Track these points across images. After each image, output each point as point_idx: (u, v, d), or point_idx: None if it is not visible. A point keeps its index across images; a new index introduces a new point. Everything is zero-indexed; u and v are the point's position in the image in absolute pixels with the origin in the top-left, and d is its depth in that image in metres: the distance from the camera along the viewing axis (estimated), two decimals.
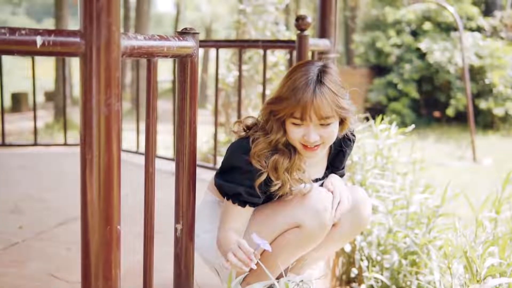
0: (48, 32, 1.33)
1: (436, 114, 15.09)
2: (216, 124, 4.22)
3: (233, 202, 1.95)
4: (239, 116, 4.10)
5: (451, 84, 14.60)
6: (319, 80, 1.84)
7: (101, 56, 1.35)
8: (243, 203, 1.94)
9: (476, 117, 12.53)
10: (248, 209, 1.97)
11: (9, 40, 1.29)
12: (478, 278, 1.89)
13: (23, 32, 1.30)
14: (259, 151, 1.90)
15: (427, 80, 15.02)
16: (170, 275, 2.04)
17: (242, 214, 1.97)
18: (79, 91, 1.38)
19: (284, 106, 1.85)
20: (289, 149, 1.94)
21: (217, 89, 4.16)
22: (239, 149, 1.94)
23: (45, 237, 2.88)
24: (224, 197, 1.99)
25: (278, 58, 7.31)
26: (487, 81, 14.21)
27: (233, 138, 2.07)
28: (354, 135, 2.12)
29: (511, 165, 9.16)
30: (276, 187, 1.92)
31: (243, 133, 2.01)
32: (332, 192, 1.98)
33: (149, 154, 1.73)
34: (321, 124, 1.86)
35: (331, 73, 1.88)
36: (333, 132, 1.90)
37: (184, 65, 1.82)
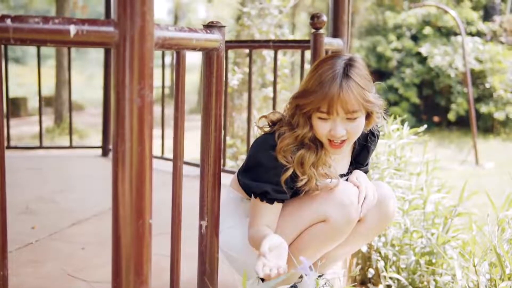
0: (82, 22, 1.31)
1: (436, 119, 15.09)
2: (224, 124, 4.20)
3: (261, 200, 1.92)
4: (248, 117, 4.08)
5: (452, 88, 14.61)
6: (346, 74, 1.82)
7: (134, 46, 1.32)
8: (271, 201, 1.92)
9: (476, 121, 12.51)
10: (277, 205, 1.94)
11: (42, 29, 1.27)
12: (509, 275, 1.86)
13: (57, 21, 1.28)
14: (285, 146, 1.87)
15: (427, 84, 15.03)
16: (189, 275, 2.02)
17: (271, 210, 1.94)
18: (112, 82, 1.36)
19: (310, 100, 1.83)
20: (315, 144, 1.92)
21: (226, 90, 4.13)
22: (265, 145, 1.91)
23: (59, 237, 2.85)
24: (250, 196, 1.97)
25: (282, 61, 7.30)
26: (487, 86, 14.21)
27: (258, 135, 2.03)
28: (379, 131, 2.10)
29: None
30: (302, 182, 1.89)
31: (267, 129, 1.98)
32: (358, 187, 1.96)
33: (177, 147, 1.71)
34: (348, 118, 1.84)
35: (358, 66, 1.86)
36: (359, 127, 1.88)
37: (211, 58, 1.80)
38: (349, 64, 1.85)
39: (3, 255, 1.37)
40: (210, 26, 1.78)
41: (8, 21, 1.23)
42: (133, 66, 1.31)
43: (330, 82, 1.80)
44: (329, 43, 3.14)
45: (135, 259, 1.40)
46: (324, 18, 3.00)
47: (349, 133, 1.87)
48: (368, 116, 1.92)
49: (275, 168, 1.88)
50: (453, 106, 14.50)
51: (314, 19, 2.98)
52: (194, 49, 1.67)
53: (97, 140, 8.21)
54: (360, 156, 2.11)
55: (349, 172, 2.09)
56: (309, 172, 1.89)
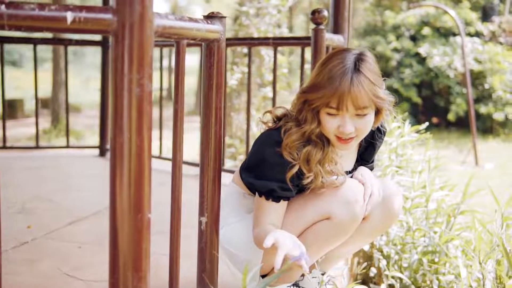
0: (79, 8, 1.27)
1: (435, 120, 15.06)
2: (224, 122, 4.15)
3: (267, 199, 1.87)
4: (247, 116, 4.04)
5: (451, 89, 14.58)
6: (357, 69, 1.76)
7: (134, 33, 1.28)
8: (277, 199, 1.86)
9: (476, 122, 12.49)
10: (283, 203, 1.89)
11: (38, 16, 1.23)
12: None
13: (53, 7, 1.24)
14: (292, 143, 1.82)
15: (426, 85, 15.00)
16: (189, 274, 1.98)
17: (277, 208, 1.88)
18: (110, 72, 1.32)
19: (320, 95, 1.77)
20: (322, 141, 1.86)
21: (225, 88, 4.08)
22: (270, 141, 1.86)
23: (55, 236, 2.80)
24: (254, 193, 1.92)
25: (280, 61, 7.26)
26: (486, 86, 14.20)
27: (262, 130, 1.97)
28: (385, 127, 2.05)
29: None
30: (308, 180, 1.84)
31: (271, 124, 1.93)
32: (363, 184, 1.91)
33: (177, 141, 1.67)
34: (357, 115, 1.78)
35: (368, 61, 1.81)
36: (368, 124, 1.83)
37: (211, 50, 1.75)
38: (360, 58, 1.80)
39: None
40: (211, 17, 1.74)
41: (2, 7, 1.19)
42: (132, 54, 1.27)
43: (340, 77, 1.75)
44: (330, 39, 3.09)
45: (133, 254, 1.35)
46: (325, 13, 2.95)
47: (358, 130, 1.81)
48: (377, 112, 1.87)
49: (281, 165, 1.83)
50: (452, 106, 14.47)
51: (315, 14, 2.94)
52: (194, 39, 1.63)
53: (94, 141, 8.17)
54: (366, 153, 2.06)
55: (354, 169, 2.04)
56: (315, 170, 1.84)
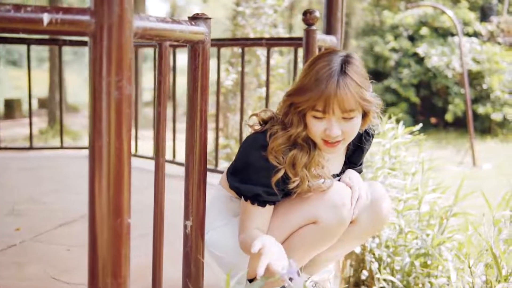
0: (56, 10, 1.24)
1: (433, 120, 15.04)
2: (217, 125, 4.13)
3: (252, 203, 1.84)
4: (241, 116, 4.02)
5: (449, 89, 14.57)
6: (343, 71, 1.73)
7: (112, 35, 1.25)
8: (263, 203, 1.84)
9: (474, 122, 12.46)
10: (269, 208, 1.87)
11: (13, 17, 1.20)
12: (505, 276, 1.80)
13: (29, 9, 1.21)
14: (277, 147, 1.79)
15: (424, 85, 14.99)
16: (173, 277, 1.96)
17: (263, 213, 1.86)
18: (88, 75, 1.29)
19: (306, 98, 1.74)
20: (308, 144, 1.84)
21: (218, 89, 4.06)
22: (255, 145, 1.82)
23: (44, 239, 2.77)
24: (240, 197, 1.89)
25: (277, 61, 7.24)
26: (484, 86, 14.18)
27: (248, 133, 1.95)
28: (374, 130, 2.02)
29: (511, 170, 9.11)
30: (294, 184, 1.81)
31: (258, 127, 1.90)
32: (350, 187, 1.88)
33: (160, 143, 1.64)
34: (344, 118, 1.75)
35: (355, 63, 1.78)
36: (355, 127, 1.80)
37: (196, 51, 1.73)
38: (346, 60, 1.77)
39: None
40: (195, 18, 1.72)
41: None
42: (110, 56, 1.25)
43: (327, 80, 1.72)
44: (322, 39, 3.07)
45: (112, 260, 1.33)
46: (317, 14, 2.93)
47: (345, 133, 1.78)
48: (364, 115, 1.84)
49: (266, 170, 1.80)
50: (450, 107, 14.45)
51: (307, 14, 2.91)
52: (177, 40, 1.60)
53: None
54: (354, 156, 2.03)
55: (342, 172, 2.01)
56: (301, 174, 1.81)
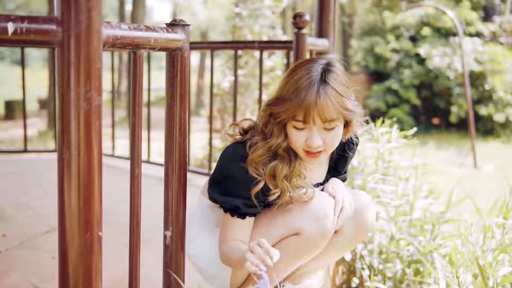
0: (21, 19, 1.21)
1: (435, 121, 14.99)
2: (210, 127, 4.09)
3: (232, 215, 1.80)
4: (234, 119, 3.98)
5: (451, 90, 14.50)
6: (323, 80, 1.69)
7: (80, 45, 1.22)
8: (242, 215, 1.79)
9: (476, 123, 12.41)
10: (249, 219, 1.82)
11: None
12: (492, 287, 1.76)
13: None
14: (257, 158, 1.75)
15: (426, 86, 14.92)
16: (160, 285, 1.92)
17: (243, 225, 1.82)
18: (56, 85, 1.26)
19: (285, 108, 1.70)
20: (289, 155, 1.79)
21: (211, 92, 4.02)
22: (235, 155, 1.78)
23: (30, 245, 2.74)
24: (220, 208, 1.85)
25: (275, 63, 7.20)
26: (487, 87, 14.12)
27: (228, 143, 1.91)
28: (358, 138, 1.97)
29: None
30: (275, 196, 1.77)
31: (238, 137, 1.85)
32: (334, 197, 1.84)
33: (135, 154, 1.61)
34: (325, 128, 1.72)
35: (336, 72, 1.73)
36: (337, 136, 1.76)
37: (174, 59, 1.69)
38: (327, 69, 1.73)
39: None
40: (173, 25, 1.68)
41: None
42: (78, 67, 1.22)
43: (306, 89, 1.68)
44: (313, 43, 3.03)
45: (83, 275, 1.31)
46: (307, 17, 2.89)
47: (326, 144, 1.74)
48: (347, 124, 1.80)
49: (246, 181, 1.75)
50: (453, 108, 14.38)
51: (296, 18, 2.88)
52: (153, 49, 1.57)
53: None
54: (338, 164, 1.98)
55: (326, 180, 1.97)
56: (282, 185, 1.77)
